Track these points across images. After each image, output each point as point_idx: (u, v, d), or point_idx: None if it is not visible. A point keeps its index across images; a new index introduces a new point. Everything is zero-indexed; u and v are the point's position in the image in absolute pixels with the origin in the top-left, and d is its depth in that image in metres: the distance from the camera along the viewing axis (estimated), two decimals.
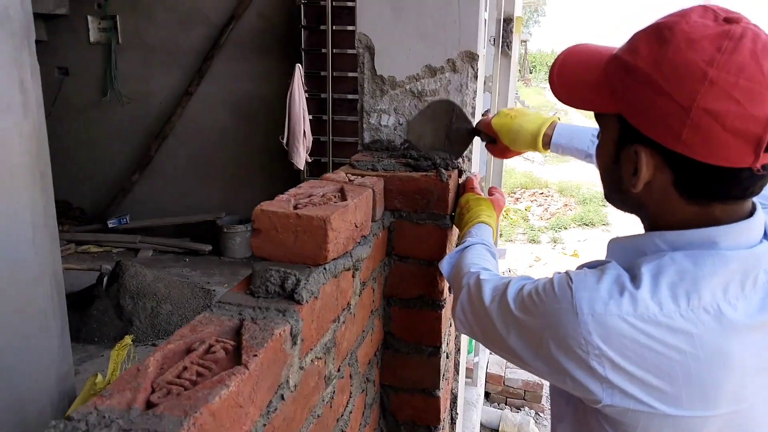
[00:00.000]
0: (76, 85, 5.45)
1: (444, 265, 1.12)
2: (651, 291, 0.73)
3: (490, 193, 1.37)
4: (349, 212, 0.98)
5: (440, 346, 1.30)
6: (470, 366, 3.24)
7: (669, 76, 0.72)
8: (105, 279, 3.85)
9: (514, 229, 11.29)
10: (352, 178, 1.20)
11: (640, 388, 0.72)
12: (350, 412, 1.09)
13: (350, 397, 1.08)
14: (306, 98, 4.75)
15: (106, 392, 0.59)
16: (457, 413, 1.64)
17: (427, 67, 1.44)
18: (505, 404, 3.94)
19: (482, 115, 1.45)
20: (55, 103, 5.34)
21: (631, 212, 0.86)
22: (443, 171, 1.24)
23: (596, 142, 0.89)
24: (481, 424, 3.68)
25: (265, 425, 0.71)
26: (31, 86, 2.05)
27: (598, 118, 0.86)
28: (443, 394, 1.37)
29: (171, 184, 5.45)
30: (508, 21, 4.69)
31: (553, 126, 1.29)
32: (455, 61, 1.43)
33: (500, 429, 3.60)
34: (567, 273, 0.79)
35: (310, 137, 4.76)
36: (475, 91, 1.46)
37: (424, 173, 1.25)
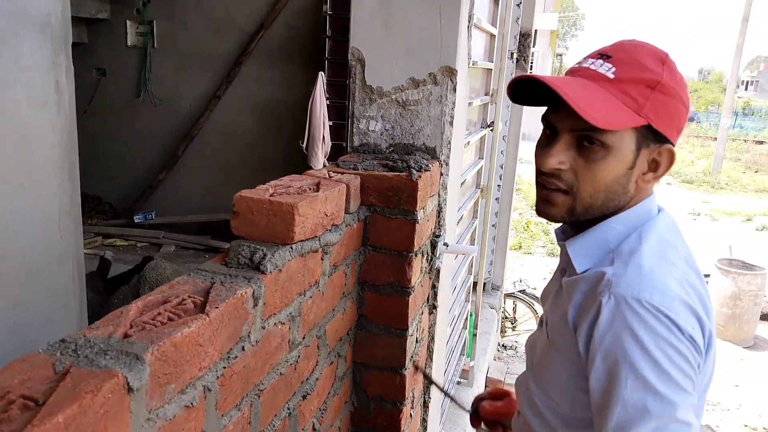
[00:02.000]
0: (112, 85, 5.73)
1: None
2: (667, 264, 0.91)
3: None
4: (318, 202, 1.14)
5: (407, 329, 1.45)
6: (466, 368, 3.36)
7: (683, 87, 0.96)
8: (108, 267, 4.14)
9: (534, 242, 11.34)
10: (332, 174, 1.36)
11: None
12: (317, 379, 1.24)
13: (317, 365, 1.24)
14: (327, 105, 4.93)
15: (94, 325, 0.76)
16: (429, 398, 1.78)
17: (411, 79, 1.60)
18: None
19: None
20: (92, 103, 5.63)
21: (601, 216, 0.98)
22: (414, 171, 1.40)
23: None
24: None
25: (225, 367, 0.87)
26: (66, 86, 2.27)
27: (602, 136, 0.92)
28: (410, 375, 1.51)
29: (196, 183, 5.69)
30: (526, 36, 4.83)
31: None
32: (436, 75, 1.59)
33: None
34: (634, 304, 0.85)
35: (329, 142, 4.94)
36: (454, 102, 1.61)
37: (398, 173, 1.40)
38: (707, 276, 8.58)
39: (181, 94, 5.60)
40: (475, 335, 3.57)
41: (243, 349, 0.92)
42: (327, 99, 5.02)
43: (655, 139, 0.95)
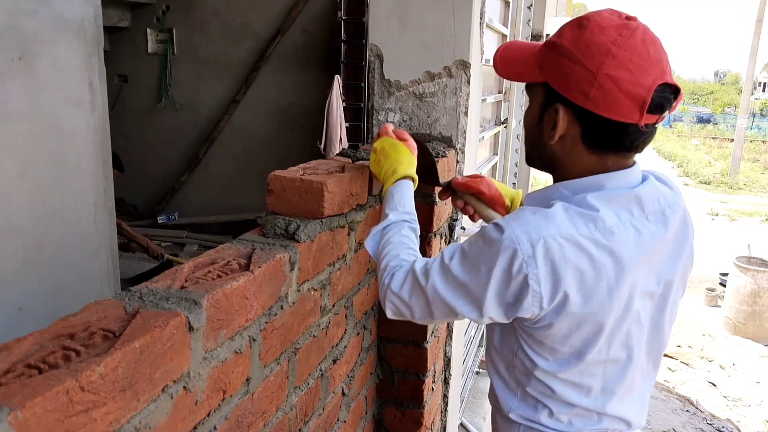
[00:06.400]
0: (133, 91, 5.90)
1: (369, 244, 1.16)
2: (565, 219, 0.96)
3: (401, 138, 1.30)
4: (345, 181, 1.23)
5: None
6: (484, 359, 3.43)
7: (584, 50, 0.97)
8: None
9: None
10: (356, 160, 1.46)
11: (562, 291, 0.94)
12: (345, 347, 1.34)
13: (345, 333, 1.33)
14: (343, 107, 5.05)
15: (153, 280, 0.86)
16: (450, 374, 1.86)
17: (427, 72, 1.70)
18: None
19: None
20: (114, 108, 5.79)
21: (546, 168, 1.11)
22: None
23: None
24: None
25: (267, 322, 0.97)
26: (99, 87, 2.40)
27: (528, 89, 1.10)
28: (431, 348, 1.60)
29: (217, 184, 5.83)
30: (537, 38, 4.91)
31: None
32: (451, 68, 1.68)
33: None
34: (490, 223, 1.00)
35: (346, 143, 5.04)
36: (468, 94, 1.71)
37: None
38: (725, 275, 8.55)
39: (201, 99, 5.75)
40: None
41: (282, 308, 1.01)
42: (343, 101, 5.14)
43: (556, 98, 1.01)
